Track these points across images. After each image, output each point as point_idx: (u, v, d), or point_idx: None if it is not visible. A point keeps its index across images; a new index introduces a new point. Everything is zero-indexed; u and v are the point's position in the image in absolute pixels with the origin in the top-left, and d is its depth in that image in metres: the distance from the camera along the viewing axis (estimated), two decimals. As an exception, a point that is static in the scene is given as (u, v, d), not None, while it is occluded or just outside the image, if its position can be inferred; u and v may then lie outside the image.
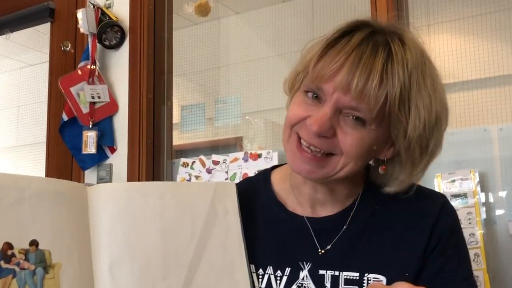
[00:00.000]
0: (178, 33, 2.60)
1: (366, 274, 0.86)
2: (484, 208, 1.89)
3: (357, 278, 0.86)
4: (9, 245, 0.71)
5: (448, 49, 2.07)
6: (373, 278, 0.86)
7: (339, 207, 0.93)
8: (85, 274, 0.77)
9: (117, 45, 2.46)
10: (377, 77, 0.77)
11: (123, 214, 0.82)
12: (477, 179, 1.87)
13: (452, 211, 0.92)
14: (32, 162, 3.10)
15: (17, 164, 3.22)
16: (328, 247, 0.90)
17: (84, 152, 2.39)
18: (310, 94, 0.84)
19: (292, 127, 0.86)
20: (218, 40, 2.60)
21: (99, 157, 2.45)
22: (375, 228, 0.90)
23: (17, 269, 0.71)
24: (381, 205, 0.92)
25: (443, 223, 0.89)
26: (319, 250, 0.90)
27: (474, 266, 0.96)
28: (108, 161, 2.47)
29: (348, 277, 0.87)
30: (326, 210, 0.93)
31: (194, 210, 0.87)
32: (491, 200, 1.90)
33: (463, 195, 1.84)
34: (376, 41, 0.81)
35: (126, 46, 2.47)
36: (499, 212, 1.89)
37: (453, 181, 1.87)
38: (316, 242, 0.90)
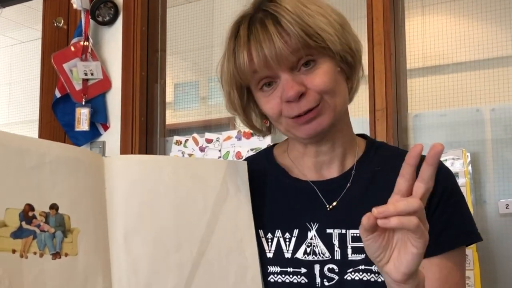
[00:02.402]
0: (172, 10, 2.58)
1: None
2: (474, 188, 1.91)
3: None
4: (30, 207, 0.73)
5: (443, 30, 2.06)
6: None
7: (342, 168, 0.97)
8: (100, 241, 0.80)
9: (111, 22, 2.44)
10: (277, 36, 0.86)
11: (138, 186, 0.85)
12: (469, 159, 1.89)
13: (449, 172, 0.96)
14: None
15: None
16: (335, 203, 0.94)
17: (77, 129, 2.38)
18: (264, 87, 0.91)
19: (280, 118, 0.92)
20: (212, 18, 2.58)
21: (92, 134, 2.45)
22: (379, 187, 0.94)
23: (37, 231, 0.73)
24: (382, 166, 0.96)
25: (443, 182, 0.92)
26: (327, 206, 0.94)
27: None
28: (101, 139, 2.47)
29: (355, 234, 0.90)
30: (331, 172, 0.97)
31: (206, 186, 0.89)
32: (482, 180, 1.92)
33: (455, 175, 1.85)
34: (256, 19, 0.89)
35: (119, 22, 2.45)
36: (489, 191, 1.91)
37: (445, 160, 1.88)
38: (323, 199, 0.94)
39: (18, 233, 0.71)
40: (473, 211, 1.84)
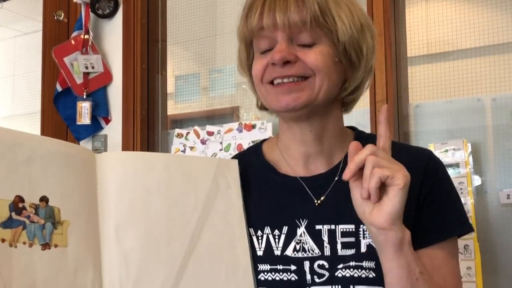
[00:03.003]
0: (173, 0, 2.57)
1: (361, 226, 0.89)
2: (475, 178, 1.90)
3: (353, 230, 0.89)
4: (20, 198, 0.74)
5: (447, 16, 2.05)
6: None
7: (329, 164, 0.96)
8: (91, 234, 0.81)
9: (111, 14, 2.44)
10: (293, 4, 0.87)
11: (130, 182, 0.86)
12: (469, 149, 1.88)
13: (439, 162, 0.96)
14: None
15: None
16: (323, 198, 0.93)
17: (78, 123, 2.39)
18: (263, 51, 0.92)
19: (261, 83, 0.93)
20: (214, 7, 2.57)
21: (94, 128, 2.45)
22: None
23: (27, 221, 0.74)
24: None
25: (432, 173, 0.92)
26: (316, 201, 0.93)
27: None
28: (103, 132, 2.48)
29: (344, 229, 0.90)
30: (318, 168, 0.96)
31: (197, 183, 0.90)
32: (483, 170, 1.91)
33: (455, 165, 1.85)
34: None
35: (119, 15, 2.45)
36: (490, 181, 1.90)
37: (446, 151, 1.88)
38: (311, 195, 0.94)
39: (8, 223, 0.72)
40: (474, 201, 1.84)
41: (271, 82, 0.91)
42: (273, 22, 0.88)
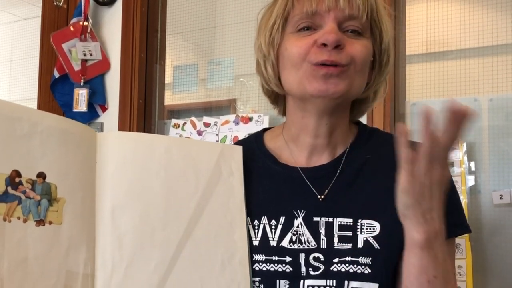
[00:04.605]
0: (174, -10, 2.57)
1: (359, 220, 0.88)
2: (469, 178, 1.91)
3: (351, 224, 0.89)
4: (17, 173, 0.73)
5: (447, 16, 2.05)
6: (367, 223, 0.88)
7: (332, 156, 0.95)
8: (86, 213, 0.80)
9: (111, 2, 2.43)
10: None
11: (129, 163, 0.85)
12: (465, 149, 1.89)
13: None
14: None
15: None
16: (326, 191, 0.92)
17: (75, 110, 2.38)
18: (303, 30, 0.89)
19: (302, 62, 0.89)
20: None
21: (90, 115, 2.45)
22: (368, 175, 0.93)
23: (23, 197, 0.74)
24: (372, 154, 0.95)
25: None
26: (319, 197, 0.92)
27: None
28: (99, 120, 2.47)
29: (342, 223, 0.89)
30: (320, 160, 0.95)
31: (199, 167, 0.89)
32: (477, 170, 1.92)
33: (450, 164, 1.85)
34: None
35: (119, 3, 2.44)
36: (484, 182, 1.91)
37: (441, 150, 1.88)
38: (313, 189, 0.93)
39: (3, 197, 0.71)
40: (468, 201, 1.85)
41: (317, 63, 0.88)
42: (335, 2, 0.87)
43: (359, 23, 0.88)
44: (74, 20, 2.41)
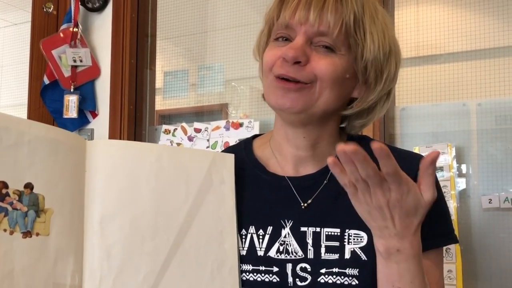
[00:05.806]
0: (164, -5, 2.57)
1: (347, 230, 0.88)
2: (459, 182, 1.92)
3: (338, 234, 0.88)
4: (4, 184, 0.72)
5: (436, 20, 2.07)
6: (354, 233, 0.88)
7: (319, 166, 0.95)
8: (75, 224, 0.79)
9: (100, 8, 2.43)
10: (331, 5, 0.86)
11: (119, 171, 0.84)
12: (454, 153, 1.90)
13: None
14: (14, 125, 3.04)
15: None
16: (309, 201, 0.91)
17: (65, 116, 2.38)
18: (280, 39, 0.90)
19: (269, 72, 0.90)
20: (205, 4, 2.57)
21: (81, 122, 2.44)
22: None
23: (9, 208, 0.73)
24: None
25: None
26: (302, 204, 0.91)
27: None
28: (89, 126, 2.47)
29: (330, 233, 0.89)
30: (307, 169, 0.95)
31: (189, 176, 0.88)
32: (466, 174, 1.93)
33: (439, 169, 1.86)
34: None
35: (109, 9, 2.43)
36: (473, 186, 1.92)
37: (431, 154, 1.89)
38: (298, 197, 0.92)
39: None
40: (457, 205, 1.86)
41: (277, 76, 0.88)
42: (305, 16, 0.86)
43: (330, 40, 0.86)
44: (64, 26, 2.40)
